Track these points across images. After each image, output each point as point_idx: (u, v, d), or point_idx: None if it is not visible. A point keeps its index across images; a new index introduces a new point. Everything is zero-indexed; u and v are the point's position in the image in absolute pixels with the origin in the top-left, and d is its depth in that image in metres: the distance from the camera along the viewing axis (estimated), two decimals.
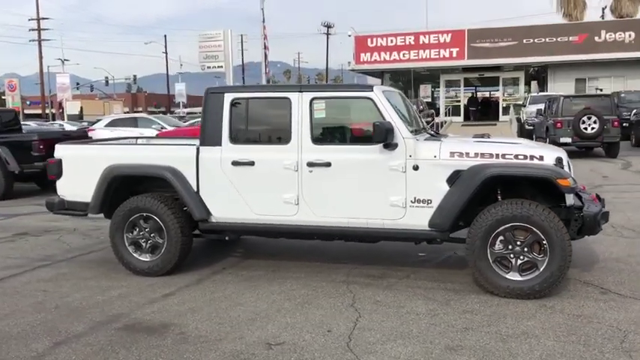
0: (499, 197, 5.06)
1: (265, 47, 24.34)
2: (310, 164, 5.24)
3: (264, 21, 23.57)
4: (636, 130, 19.41)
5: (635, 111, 20.39)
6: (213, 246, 6.87)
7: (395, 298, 4.87)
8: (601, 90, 29.09)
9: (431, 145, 5.10)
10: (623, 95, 23.40)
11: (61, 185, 6.12)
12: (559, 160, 4.90)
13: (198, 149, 5.61)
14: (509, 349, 3.81)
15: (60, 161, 6.06)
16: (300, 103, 5.31)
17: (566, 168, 4.90)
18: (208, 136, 5.57)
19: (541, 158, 4.90)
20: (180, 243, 5.63)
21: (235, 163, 5.44)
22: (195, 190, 5.59)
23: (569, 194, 4.86)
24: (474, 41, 30.08)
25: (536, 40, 29.44)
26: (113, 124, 19.97)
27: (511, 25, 30.55)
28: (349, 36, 31.59)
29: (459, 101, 32.62)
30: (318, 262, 6.07)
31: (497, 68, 31.19)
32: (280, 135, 5.44)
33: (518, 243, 4.76)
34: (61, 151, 6.14)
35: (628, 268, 5.54)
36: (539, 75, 32.38)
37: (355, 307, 4.68)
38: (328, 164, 5.20)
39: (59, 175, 6.08)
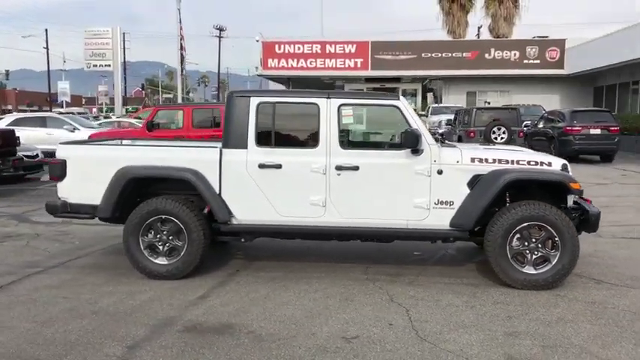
0: (507, 199, 5.62)
1: (182, 48, 23.79)
2: (339, 167, 5.49)
3: (180, 21, 23.04)
4: (530, 141, 21.36)
5: (525, 122, 22.47)
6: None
7: (426, 293, 5.24)
8: (489, 103, 31.65)
9: (453, 151, 5.55)
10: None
11: (64, 187, 5.84)
12: (564, 167, 5.57)
13: (221, 151, 5.64)
14: (560, 332, 4.32)
15: (64, 162, 5.79)
16: (328, 108, 5.54)
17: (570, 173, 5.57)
18: (233, 139, 5.62)
19: (549, 164, 5.54)
20: (202, 245, 5.61)
21: (262, 166, 5.54)
22: (218, 192, 5.62)
23: (570, 196, 5.53)
24: (377, 53, 31.39)
25: (433, 55, 31.31)
26: (17, 123, 18.54)
27: (412, 40, 32.24)
28: (257, 41, 31.67)
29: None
30: (326, 262, 6.30)
31: (397, 79, 32.77)
32: (308, 139, 5.63)
33: (533, 240, 5.33)
34: (65, 151, 5.86)
35: (602, 262, 6.34)
36: (434, 87, 34.50)
37: (396, 302, 5.00)
38: (356, 168, 5.48)
39: (62, 176, 5.80)
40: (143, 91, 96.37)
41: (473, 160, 5.49)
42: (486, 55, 31.17)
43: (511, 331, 4.33)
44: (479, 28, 44.37)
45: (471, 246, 6.80)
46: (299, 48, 31.80)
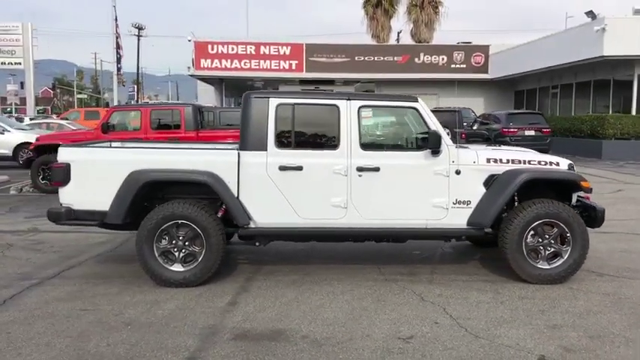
0: (516, 198, 5.84)
1: (118, 47, 22.80)
2: (360, 169, 5.50)
3: (116, 19, 22.09)
4: (468, 142, 22.23)
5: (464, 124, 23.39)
6: None
7: (450, 291, 5.36)
8: None
9: (469, 152, 5.71)
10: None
11: (67, 193, 5.49)
12: (571, 166, 5.87)
13: (239, 154, 5.51)
14: (595, 323, 4.56)
15: (68, 166, 5.44)
16: (348, 110, 5.54)
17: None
18: (252, 141, 5.50)
19: (557, 164, 5.82)
20: (221, 251, 5.46)
21: (283, 168, 5.46)
22: (236, 195, 5.48)
23: (574, 194, 5.85)
24: (312, 55, 31.60)
25: (366, 58, 31.95)
26: None
27: (346, 43, 32.70)
28: (189, 41, 31.00)
29: None
30: (335, 264, 6.29)
31: (331, 82, 33.11)
32: (328, 140, 5.61)
33: (546, 236, 5.58)
34: (68, 154, 5.51)
35: (593, 255, 6.70)
36: (368, 90, 35.11)
37: (428, 301, 5.08)
38: (377, 169, 5.51)
39: (66, 181, 5.45)
40: (52, 91, 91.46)
41: (488, 160, 5.68)
42: (416, 60, 32.17)
43: (552, 324, 4.52)
44: (398, 33, 45.55)
45: (464, 244, 7.03)
46: (233, 49, 31.43)
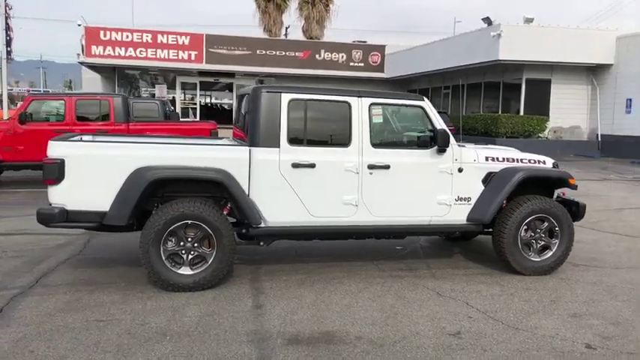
0: None
1: (9, 29, 20.66)
2: (371, 166, 5.51)
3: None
4: None
5: None
6: None
7: (459, 285, 5.52)
8: None
9: (470, 151, 5.91)
10: None
11: (60, 191, 4.95)
12: (555, 164, 6.29)
13: (250, 150, 5.29)
14: (607, 310, 4.93)
15: (62, 162, 4.90)
16: (359, 107, 5.52)
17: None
18: (263, 137, 5.31)
19: (544, 162, 6.21)
20: (232, 251, 5.21)
21: (296, 165, 5.33)
22: (247, 193, 5.26)
23: (556, 190, 6.28)
24: (212, 47, 30.82)
25: (268, 52, 31.77)
26: None
27: (247, 36, 32.26)
28: (79, 25, 28.93)
29: (195, 104, 32.92)
30: (331, 261, 6.24)
31: (231, 75, 32.54)
32: (340, 138, 5.54)
33: (538, 230, 5.94)
34: (63, 149, 4.97)
35: None
36: (269, 84, 34.92)
37: (446, 296, 5.20)
38: (387, 167, 5.55)
39: (59, 179, 4.91)
40: None
41: (487, 158, 5.93)
42: (317, 56, 32.53)
43: (572, 314, 4.83)
44: (286, 28, 45.86)
45: (436, 238, 7.31)
46: (127, 36, 29.81)
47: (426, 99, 5.82)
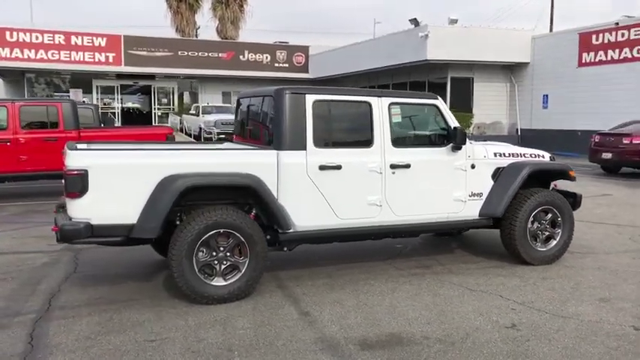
0: None
1: None
2: (393, 166, 5.52)
3: None
4: None
5: None
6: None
7: (479, 280, 5.64)
8: None
9: (480, 147, 6.07)
10: None
11: (83, 205, 4.57)
12: (552, 158, 6.59)
13: (277, 154, 5.14)
14: (625, 293, 5.22)
15: (85, 173, 4.53)
16: (380, 107, 5.52)
17: None
18: (290, 140, 5.17)
19: (543, 156, 6.49)
20: (265, 259, 5.05)
21: (323, 168, 5.24)
22: (276, 197, 5.12)
23: (552, 182, 6.59)
24: (131, 48, 29.64)
25: (190, 54, 30.99)
26: None
27: (168, 37, 31.30)
28: None
29: (114, 109, 31.50)
30: (341, 263, 6.19)
31: (152, 77, 31.45)
32: (362, 138, 5.51)
33: (543, 221, 6.20)
34: (85, 159, 4.59)
35: None
36: (191, 87, 34.07)
37: (478, 290, 5.31)
38: (408, 165, 5.59)
39: (83, 191, 4.54)
40: None
41: (495, 154, 6.11)
42: (241, 57, 32.15)
43: (600, 298, 5.09)
44: (197, 28, 45.06)
45: (428, 235, 7.44)
46: (37, 37, 28.08)
47: (439, 97, 5.91)
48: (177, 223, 4.95)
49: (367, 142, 5.47)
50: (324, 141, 5.31)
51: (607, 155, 14.60)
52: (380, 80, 29.51)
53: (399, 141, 5.62)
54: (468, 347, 4.01)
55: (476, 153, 5.97)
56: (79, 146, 4.93)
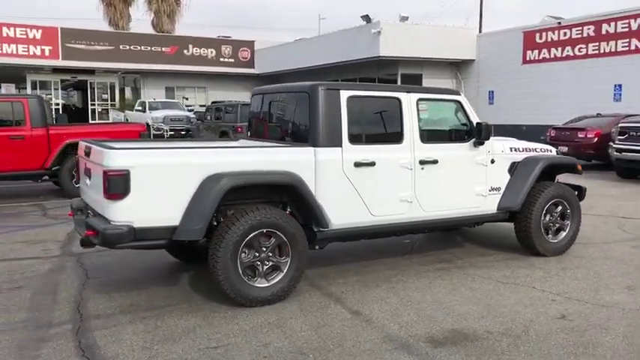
0: None
1: None
2: (422, 162, 5.53)
3: None
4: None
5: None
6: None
7: (503, 273, 5.72)
8: (187, 99, 32.02)
9: (498, 142, 6.17)
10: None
11: (125, 207, 4.30)
12: (558, 152, 6.79)
13: (315, 151, 5.03)
14: None
15: (127, 173, 4.26)
16: (409, 103, 5.51)
17: None
18: (326, 137, 5.07)
19: (550, 151, 6.68)
20: (306, 258, 4.94)
21: (358, 164, 5.18)
22: (314, 195, 5.02)
23: (558, 175, 6.80)
24: (69, 41, 28.36)
25: (132, 47, 29.97)
26: None
27: (109, 30, 30.09)
28: None
29: (51, 105, 29.91)
30: (360, 260, 6.14)
31: (91, 72, 30.17)
32: (393, 134, 5.48)
33: (554, 213, 6.39)
34: (127, 158, 4.31)
35: None
36: (134, 82, 32.91)
37: (510, 282, 5.40)
38: (435, 161, 5.61)
39: (125, 193, 4.27)
40: None
41: (511, 149, 6.24)
42: (185, 52, 31.41)
43: (626, 286, 5.29)
44: (129, 21, 43.71)
45: None
46: None
47: (462, 93, 5.97)
48: (214, 223, 4.75)
49: (398, 138, 5.45)
50: (358, 137, 5.24)
51: (563, 149, 15.20)
52: (328, 77, 29.51)
53: (426, 137, 5.63)
54: (534, 340, 4.06)
55: (495, 148, 6.07)
56: (117, 145, 4.64)
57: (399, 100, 5.47)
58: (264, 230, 4.69)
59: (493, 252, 6.54)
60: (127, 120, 27.28)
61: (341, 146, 5.11)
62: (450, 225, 6.15)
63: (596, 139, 14.49)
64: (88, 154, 4.89)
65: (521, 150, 6.33)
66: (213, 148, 5.08)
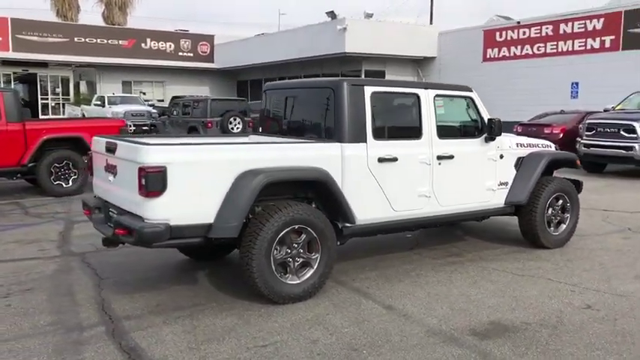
0: None
1: None
2: (439, 157, 5.60)
3: None
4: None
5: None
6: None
7: (518, 264, 5.86)
8: (144, 94, 31.30)
9: (505, 138, 6.30)
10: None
11: (161, 205, 4.18)
12: (557, 147, 7.00)
13: (341, 147, 5.02)
14: None
15: (164, 170, 4.14)
16: (427, 99, 5.57)
17: None
18: (351, 133, 5.06)
19: (550, 146, 6.89)
20: (335, 254, 4.93)
21: (381, 160, 5.20)
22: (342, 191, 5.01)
23: (556, 170, 7.02)
24: (20, 32, 27.26)
25: (87, 40, 29.06)
26: None
27: (63, 22, 29.02)
28: None
29: None
30: (373, 255, 6.18)
31: (44, 65, 29.07)
32: (412, 130, 5.52)
33: (556, 207, 6.58)
34: (163, 154, 4.19)
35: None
36: (88, 75, 31.90)
37: (526, 275, 5.53)
38: (452, 157, 5.70)
39: (163, 190, 4.15)
40: None
41: (518, 145, 6.40)
42: (143, 45, 30.72)
43: (634, 276, 5.52)
44: (77, 13, 42.42)
45: None
46: None
47: (473, 90, 6.07)
48: (244, 220, 4.67)
49: (417, 134, 5.50)
50: (381, 133, 5.27)
51: None
52: (290, 72, 29.48)
53: (442, 132, 5.69)
54: (572, 330, 4.19)
55: (503, 144, 6.20)
56: (150, 141, 4.50)
57: (417, 96, 5.51)
58: (296, 227, 4.65)
59: (496, 245, 6.69)
60: (84, 115, 26.47)
61: (366, 142, 5.12)
62: (462, 219, 6.26)
63: (561, 134, 14.98)
64: (111, 150, 4.72)
65: (525, 145, 6.50)
66: (244, 144, 4.98)
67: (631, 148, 12.18)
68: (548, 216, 6.47)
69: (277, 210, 4.56)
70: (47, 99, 29.93)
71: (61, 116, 26.30)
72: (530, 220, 6.38)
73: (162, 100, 30.30)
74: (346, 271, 5.58)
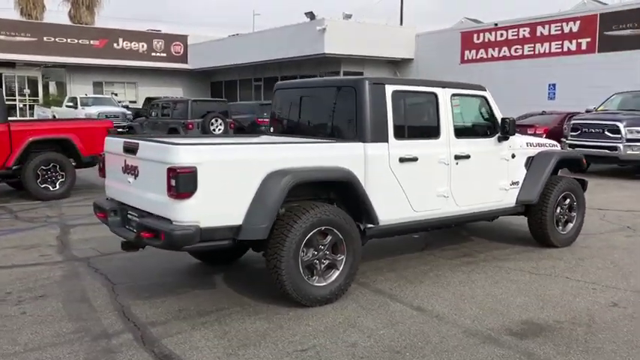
0: None
1: None
2: (457, 157, 5.57)
3: None
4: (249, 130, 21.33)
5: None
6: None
7: (529, 265, 5.85)
8: (116, 95, 30.71)
9: (516, 138, 6.31)
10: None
11: (192, 206, 4.03)
12: (562, 147, 7.05)
13: (364, 146, 4.95)
14: None
15: (195, 171, 4.00)
16: (445, 98, 5.53)
17: None
18: (373, 132, 4.99)
19: (555, 145, 6.93)
20: (360, 255, 4.85)
21: (402, 160, 5.14)
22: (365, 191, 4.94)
23: (560, 169, 7.07)
24: None
25: (57, 39, 28.37)
26: None
27: (32, 20, 28.24)
28: None
29: None
30: (386, 255, 6.12)
31: (11, 65, 28.24)
32: (431, 129, 5.48)
33: (563, 206, 6.63)
34: (193, 155, 4.04)
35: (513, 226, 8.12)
36: (58, 76, 31.10)
37: (541, 274, 5.54)
38: (468, 156, 5.67)
39: (193, 191, 4.00)
40: None
41: (527, 144, 6.42)
42: (115, 45, 30.15)
43: None
44: (43, 12, 41.47)
45: None
46: None
47: (487, 89, 6.06)
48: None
49: (436, 133, 5.46)
50: (402, 133, 5.20)
51: None
52: (266, 73, 29.33)
53: (459, 132, 5.66)
54: (605, 327, 4.19)
55: (515, 143, 6.21)
56: (178, 141, 4.34)
57: (435, 95, 5.47)
58: (322, 228, 4.55)
59: (505, 245, 6.70)
60: (55, 117, 25.79)
61: (387, 142, 5.05)
62: (477, 219, 6.24)
63: (544, 135, 15.19)
64: (131, 150, 4.54)
65: (534, 145, 6.53)
66: (272, 144, 4.85)
67: (615, 148, 12.42)
68: (556, 215, 6.51)
69: (304, 211, 4.45)
70: (15, 100, 29.05)
71: (33, 118, 25.58)
72: (541, 219, 6.40)
73: (135, 102, 29.77)
74: (363, 272, 5.49)
